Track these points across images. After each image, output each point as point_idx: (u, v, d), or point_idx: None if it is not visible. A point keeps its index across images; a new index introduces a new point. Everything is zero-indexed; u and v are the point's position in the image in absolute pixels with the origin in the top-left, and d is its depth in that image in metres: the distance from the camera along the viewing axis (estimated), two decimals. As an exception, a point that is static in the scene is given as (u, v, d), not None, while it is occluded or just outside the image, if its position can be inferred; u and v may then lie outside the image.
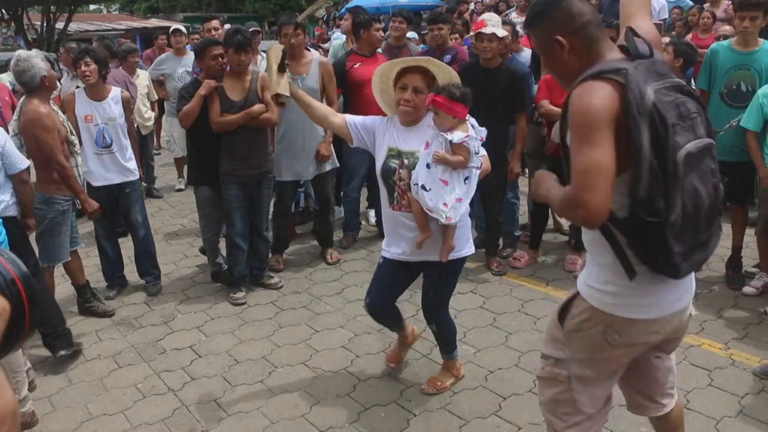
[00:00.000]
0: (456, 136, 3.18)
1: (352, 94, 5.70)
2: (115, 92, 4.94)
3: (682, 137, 1.89)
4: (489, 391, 3.64)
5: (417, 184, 3.21)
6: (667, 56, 4.86)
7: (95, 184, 4.83)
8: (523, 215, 6.16)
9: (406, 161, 3.28)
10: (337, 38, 9.05)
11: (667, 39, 6.83)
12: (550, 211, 6.04)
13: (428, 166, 3.22)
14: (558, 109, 4.51)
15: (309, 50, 5.56)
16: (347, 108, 5.69)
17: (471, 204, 3.39)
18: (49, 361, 4.18)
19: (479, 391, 3.65)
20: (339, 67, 5.69)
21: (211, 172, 4.87)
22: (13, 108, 6.78)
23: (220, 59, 4.74)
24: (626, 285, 2.09)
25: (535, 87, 5.80)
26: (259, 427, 3.41)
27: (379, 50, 5.98)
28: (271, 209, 5.39)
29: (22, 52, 4.22)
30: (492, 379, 3.76)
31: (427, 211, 3.21)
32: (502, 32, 4.84)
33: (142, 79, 7.66)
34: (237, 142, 4.76)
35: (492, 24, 4.82)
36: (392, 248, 3.44)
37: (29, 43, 20.93)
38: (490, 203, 5.27)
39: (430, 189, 3.20)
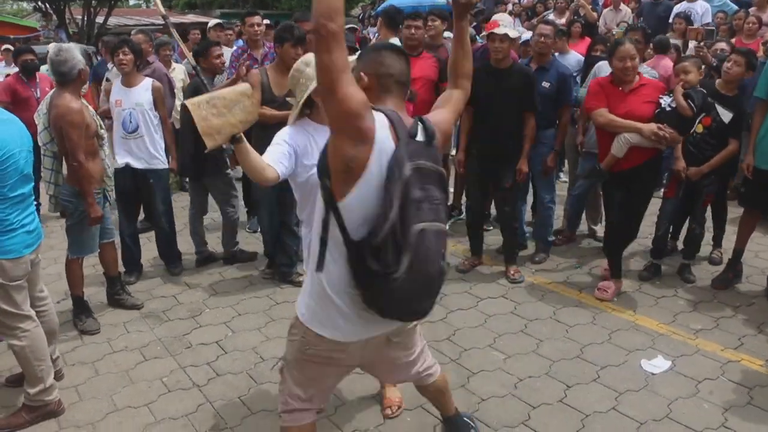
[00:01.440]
0: None
1: None
2: (147, 81, 5.15)
3: (420, 214, 2.09)
4: (518, 399, 3.55)
5: None
6: (738, 68, 4.69)
7: (119, 160, 4.96)
8: (558, 219, 6.05)
9: None
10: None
11: (724, 45, 6.67)
12: (584, 215, 5.94)
13: None
14: (624, 121, 4.41)
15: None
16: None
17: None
18: (78, 351, 4.20)
19: (508, 399, 3.56)
20: None
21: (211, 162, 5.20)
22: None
23: (221, 59, 5.30)
24: (325, 303, 2.30)
25: (578, 89, 5.70)
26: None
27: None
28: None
29: (62, 44, 4.24)
30: (521, 387, 3.66)
31: None
32: (514, 33, 4.83)
33: (178, 72, 7.67)
34: (267, 137, 4.67)
35: (504, 24, 4.77)
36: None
37: (70, 36, 21.26)
38: (504, 206, 5.18)
39: None
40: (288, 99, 3.10)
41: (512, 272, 5.16)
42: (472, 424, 3.17)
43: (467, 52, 2.67)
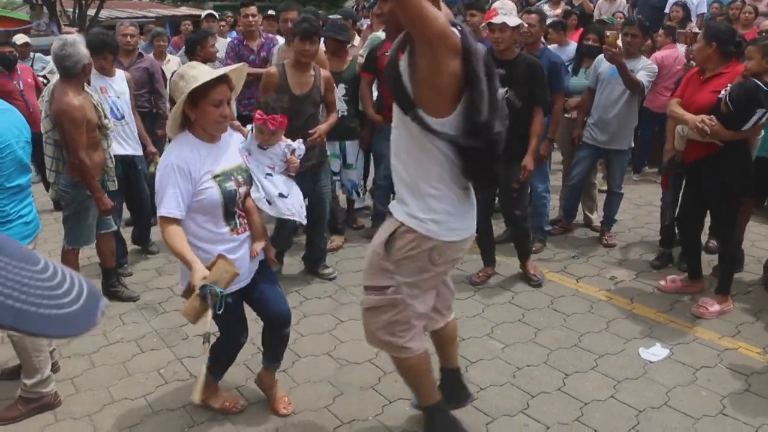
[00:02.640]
0: (297, 144, 3.60)
1: (381, 80, 5.62)
2: (120, 73, 5.29)
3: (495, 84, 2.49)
4: (517, 388, 3.54)
5: (269, 195, 3.31)
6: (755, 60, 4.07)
7: (114, 152, 4.92)
8: (554, 209, 6.05)
9: (240, 178, 3.02)
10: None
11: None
12: (580, 206, 5.94)
13: (270, 175, 3.41)
14: (678, 111, 4.23)
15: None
16: (379, 95, 5.63)
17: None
18: (73, 343, 4.17)
19: (507, 387, 3.56)
20: (371, 54, 5.62)
21: None
22: (38, 90, 6.83)
23: (214, 48, 5.58)
24: (446, 213, 2.57)
25: (569, 78, 5.68)
26: (280, 417, 3.35)
27: None
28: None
29: (68, 37, 4.18)
30: (520, 376, 3.66)
31: (287, 216, 3.45)
32: (514, 21, 4.43)
33: (173, 64, 7.61)
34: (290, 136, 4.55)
35: (504, 12, 4.45)
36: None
37: (61, 29, 21.12)
38: (513, 208, 4.82)
39: (288, 195, 3.44)
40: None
41: (533, 271, 4.90)
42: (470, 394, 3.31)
43: None
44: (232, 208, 2.97)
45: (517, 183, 4.66)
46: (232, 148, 3.09)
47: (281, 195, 3.37)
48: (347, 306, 4.58)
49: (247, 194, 3.10)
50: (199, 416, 3.38)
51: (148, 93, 6.19)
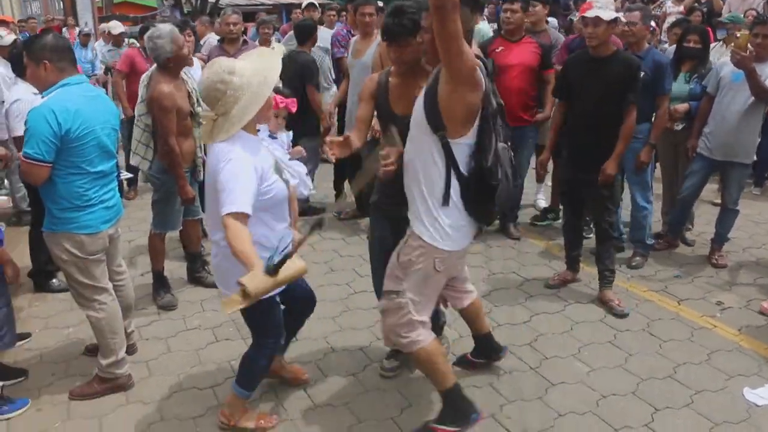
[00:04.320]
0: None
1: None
2: (198, 62, 5.39)
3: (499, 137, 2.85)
4: (599, 419, 3.26)
5: (301, 179, 3.37)
6: None
7: None
8: (657, 222, 5.63)
9: (284, 167, 3.05)
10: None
11: None
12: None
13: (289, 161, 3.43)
14: None
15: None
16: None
17: None
18: (153, 326, 4.24)
19: (587, 417, 3.28)
20: (481, 50, 5.41)
21: None
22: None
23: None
24: (450, 225, 2.82)
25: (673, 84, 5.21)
26: (344, 424, 3.24)
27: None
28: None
29: (157, 30, 4.25)
30: (604, 405, 3.37)
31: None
32: (609, 14, 4.09)
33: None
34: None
35: (599, 5, 4.13)
36: None
37: (184, 15, 22.02)
38: (600, 216, 4.46)
39: (307, 174, 3.59)
40: (209, 115, 2.77)
41: (617, 302, 4.40)
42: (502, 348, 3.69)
43: None
44: (290, 200, 3.00)
45: (607, 189, 4.35)
46: (263, 140, 3.03)
47: (306, 174, 3.51)
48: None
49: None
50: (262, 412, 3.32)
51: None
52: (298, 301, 3.31)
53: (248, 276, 2.36)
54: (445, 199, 2.79)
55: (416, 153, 2.82)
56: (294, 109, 3.59)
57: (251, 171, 2.65)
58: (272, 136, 3.61)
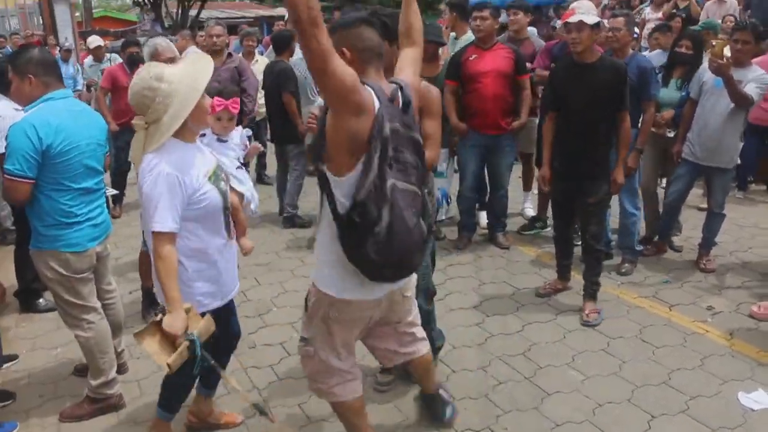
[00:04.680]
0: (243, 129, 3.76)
1: (465, 88, 5.41)
2: None
3: (394, 173, 2.30)
4: (595, 427, 3.25)
5: (249, 188, 3.55)
6: None
7: None
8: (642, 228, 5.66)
9: (224, 176, 2.89)
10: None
11: None
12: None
13: (239, 168, 3.60)
14: None
15: None
16: (462, 102, 5.41)
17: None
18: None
19: (585, 426, 3.27)
20: (455, 59, 5.44)
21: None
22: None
23: None
24: (336, 270, 2.48)
25: (659, 88, 5.25)
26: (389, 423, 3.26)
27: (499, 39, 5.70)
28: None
29: (153, 45, 4.45)
30: (600, 413, 3.36)
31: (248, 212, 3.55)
32: (592, 19, 4.08)
33: (261, 64, 7.67)
34: None
35: (581, 11, 4.14)
36: (219, 299, 2.89)
37: (165, 29, 21.97)
38: (588, 225, 4.42)
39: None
40: (135, 124, 2.66)
41: (587, 312, 4.37)
42: (449, 398, 3.28)
43: (415, 11, 2.80)
44: (228, 210, 2.84)
45: (594, 199, 4.33)
46: (201, 146, 2.90)
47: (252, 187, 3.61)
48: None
49: (232, 191, 3.00)
50: (254, 429, 3.28)
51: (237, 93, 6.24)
52: (228, 335, 3.15)
53: (168, 318, 2.51)
54: (335, 241, 2.45)
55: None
56: (235, 111, 3.54)
57: (174, 184, 2.54)
58: (221, 140, 3.59)
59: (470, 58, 5.37)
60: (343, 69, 2.16)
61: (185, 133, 2.67)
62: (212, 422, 3.32)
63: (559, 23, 6.15)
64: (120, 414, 3.47)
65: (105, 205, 3.50)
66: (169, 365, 2.51)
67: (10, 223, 5.77)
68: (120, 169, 6.91)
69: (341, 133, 2.27)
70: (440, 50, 5.61)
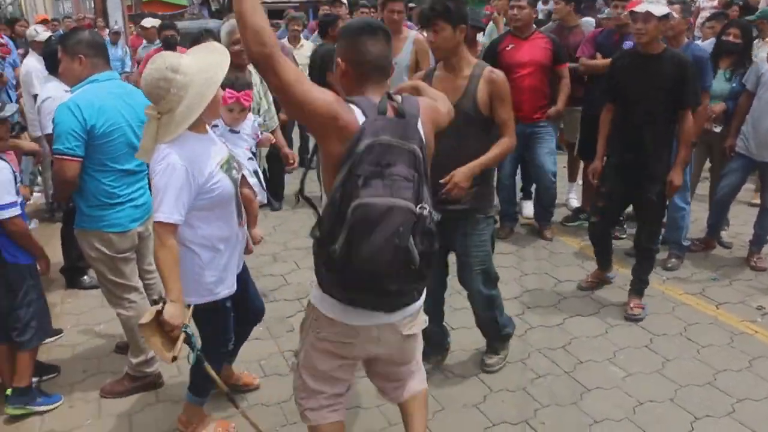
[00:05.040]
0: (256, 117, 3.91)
1: None
2: None
3: (366, 190, 1.99)
4: (636, 426, 3.17)
5: (259, 179, 3.70)
6: None
7: None
8: (695, 222, 5.50)
9: (236, 165, 2.90)
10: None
11: None
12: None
13: (251, 159, 3.72)
14: None
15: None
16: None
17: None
18: (184, 324, 4.23)
19: (624, 424, 3.19)
20: (492, 48, 5.34)
21: None
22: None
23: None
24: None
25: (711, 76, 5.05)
26: (376, 427, 3.19)
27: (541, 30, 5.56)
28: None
29: (232, 24, 4.38)
30: (641, 412, 3.28)
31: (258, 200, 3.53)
32: (661, 9, 3.82)
33: (306, 49, 7.66)
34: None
35: (650, 0, 3.88)
36: (232, 286, 2.90)
37: (212, 13, 22.18)
38: (645, 225, 4.28)
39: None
40: (151, 113, 2.64)
41: (632, 305, 4.27)
42: None
43: None
44: (239, 197, 2.88)
45: (653, 198, 4.12)
46: (214, 136, 2.92)
47: (256, 174, 3.71)
48: (460, 312, 4.33)
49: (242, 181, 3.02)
50: (293, 415, 3.26)
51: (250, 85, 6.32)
52: (249, 311, 3.22)
53: (170, 308, 2.51)
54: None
55: None
56: (247, 104, 3.56)
57: (183, 177, 2.54)
58: (233, 131, 3.66)
59: (507, 48, 5.25)
60: (314, 96, 2.02)
61: (198, 124, 2.67)
62: (234, 383, 3.42)
63: (607, 11, 5.95)
64: (158, 392, 3.52)
65: (147, 186, 3.52)
66: (174, 359, 2.54)
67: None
68: None
69: (331, 159, 2.10)
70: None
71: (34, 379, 3.47)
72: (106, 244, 3.27)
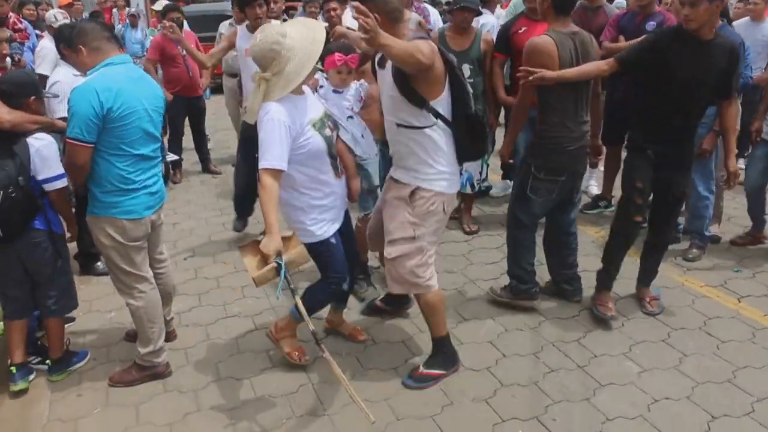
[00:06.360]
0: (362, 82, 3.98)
1: (514, 62, 5.14)
2: None
3: None
4: (650, 425, 3.07)
5: (354, 135, 3.88)
6: None
7: None
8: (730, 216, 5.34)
9: (330, 123, 3.26)
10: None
11: None
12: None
13: (350, 117, 3.88)
14: None
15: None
16: (512, 77, 5.15)
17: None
18: (194, 312, 4.22)
19: (638, 422, 3.10)
20: (504, 31, 5.19)
21: None
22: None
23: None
24: (449, 173, 3.25)
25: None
26: (382, 421, 3.13)
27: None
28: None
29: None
30: (656, 410, 3.18)
31: (368, 157, 4.03)
32: None
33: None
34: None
35: None
36: (335, 224, 3.35)
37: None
38: (668, 219, 4.07)
39: (364, 136, 3.95)
40: (263, 75, 3.00)
41: (648, 300, 4.14)
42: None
43: None
44: (334, 152, 3.22)
45: (681, 193, 3.96)
46: (311, 97, 3.25)
47: (362, 136, 3.92)
48: (473, 303, 4.27)
49: (338, 138, 3.35)
50: (298, 409, 3.25)
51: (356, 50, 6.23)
52: (351, 256, 3.57)
53: (265, 239, 2.89)
54: (440, 153, 3.21)
55: (401, 126, 3.22)
56: (354, 65, 3.84)
57: (283, 129, 2.93)
58: (336, 91, 3.91)
59: (519, 31, 5.08)
60: (426, 54, 2.91)
61: (296, 86, 3.03)
62: (341, 331, 3.88)
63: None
64: (166, 382, 3.50)
65: (161, 174, 3.48)
66: (254, 279, 2.91)
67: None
68: (176, 136, 7.00)
69: (436, 85, 3.13)
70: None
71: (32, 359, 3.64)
72: (120, 231, 3.24)
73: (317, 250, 3.27)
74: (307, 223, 3.22)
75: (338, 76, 3.85)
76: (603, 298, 4.10)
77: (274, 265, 2.85)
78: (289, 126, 2.95)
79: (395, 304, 4.08)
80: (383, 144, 3.87)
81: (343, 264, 3.36)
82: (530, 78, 3.66)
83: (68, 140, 3.08)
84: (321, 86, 3.86)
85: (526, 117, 4.05)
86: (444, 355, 3.49)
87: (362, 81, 3.97)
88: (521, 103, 3.94)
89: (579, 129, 3.84)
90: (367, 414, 2.83)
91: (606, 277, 4.15)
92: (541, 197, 3.93)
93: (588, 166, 6.24)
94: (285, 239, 2.99)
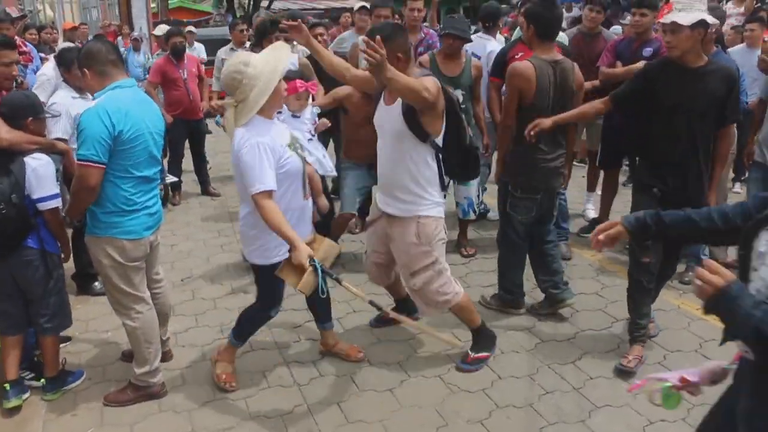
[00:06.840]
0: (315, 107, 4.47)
1: None
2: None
3: None
4: (645, 446, 3.08)
5: (317, 157, 4.26)
6: None
7: None
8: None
9: (299, 146, 3.40)
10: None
11: None
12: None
13: (310, 139, 4.24)
14: None
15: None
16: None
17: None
18: (190, 332, 4.23)
19: (633, 444, 3.10)
20: (502, 56, 5.25)
21: None
22: (200, 80, 7.14)
23: None
24: (441, 201, 3.58)
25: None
26: (386, 409, 3.21)
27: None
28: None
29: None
30: (651, 432, 3.19)
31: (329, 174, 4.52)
32: (689, 18, 3.39)
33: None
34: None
35: (679, 7, 3.51)
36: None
37: (236, 19, 22.41)
38: (672, 258, 3.92)
39: (324, 155, 4.36)
40: (225, 103, 3.25)
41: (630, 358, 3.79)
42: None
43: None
44: (305, 174, 3.36)
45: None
46: (279, 123, 3.42)
47: (324, 156, 4.31)
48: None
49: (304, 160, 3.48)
50: (293, 429, 3.25)
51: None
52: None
53: (293, 253, 3.01)
54: (431, 183, 3.49)
55: (400, 157, 3.47)
56: (315, 91, 4.19)
57: (267, 151, 3.05)
58: (295, 116, 4.24)
59: (516, 56, 5.13)
60: (431, 91, 3.18)
61: (265, 111, 3.16)
62: (337, 352, 3.88)
63: (629, 19, 5.82)
64: (161, 402, 3.50)
65: (159, 195, 3.51)
66: (300, 290, 3.04)
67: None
68: (176, 158, 7.06)
69: (437, 121, 3.43)
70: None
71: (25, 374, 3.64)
72: (119, 251, 3.25)
73: (266, 273, 3.32)
74: (271, 242, 3.22)
75: (297, 102, 4.19)
76: (631, 349, 3.84)
77: (311, 268, 2.98)
78: (272, 147, 3.09)
79: (405, 311, 4.09)
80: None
81: (281, 292, 3.53)
82: (531, 133, 3.81)
83: (80, 162, 3.09)
84: (279, 112, 3.80)
85: (510, 138, 4.13)
86: (486, 338, 3.84)
87: (314, 105, 4.44)
88: (504, 125, 4.18)
89: (554, 151, 4.02)
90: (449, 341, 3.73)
91: (634, 328, 3.86)
92: (520, 215, 4.13)
93: (586, 190, 6.32)
94: (309, 244, 3.11)
